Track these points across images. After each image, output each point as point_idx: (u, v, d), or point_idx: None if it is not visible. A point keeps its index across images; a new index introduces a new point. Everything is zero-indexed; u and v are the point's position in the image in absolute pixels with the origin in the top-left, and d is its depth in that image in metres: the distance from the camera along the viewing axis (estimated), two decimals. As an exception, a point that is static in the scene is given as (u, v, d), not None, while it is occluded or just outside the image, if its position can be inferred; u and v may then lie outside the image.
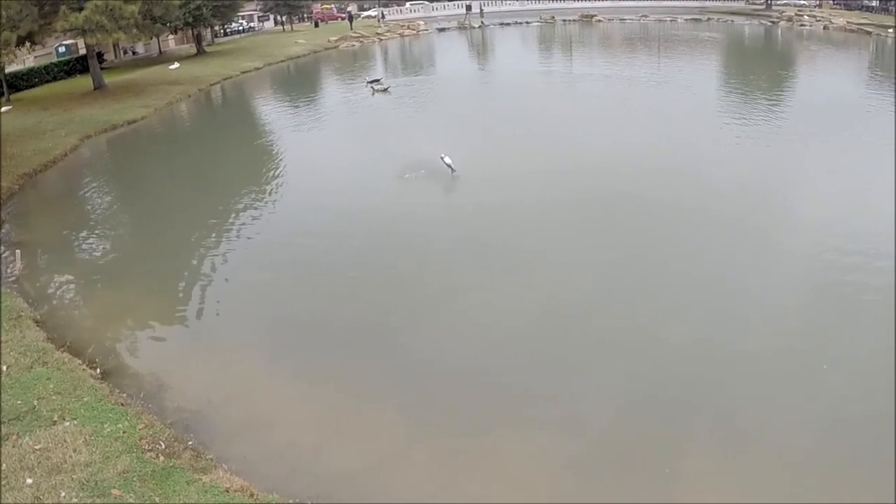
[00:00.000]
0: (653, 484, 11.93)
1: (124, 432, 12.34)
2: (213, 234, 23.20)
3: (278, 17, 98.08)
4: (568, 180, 26.70)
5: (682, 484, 11.82)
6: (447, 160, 26.64)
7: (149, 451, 11.93)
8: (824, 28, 78.09)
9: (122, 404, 13.45)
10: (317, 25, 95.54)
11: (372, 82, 49.91)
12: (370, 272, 20.10)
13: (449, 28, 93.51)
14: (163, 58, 68.38)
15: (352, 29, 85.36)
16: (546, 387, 14.61)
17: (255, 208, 25.54)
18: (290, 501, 11.22)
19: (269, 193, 27.46)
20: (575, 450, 12.78)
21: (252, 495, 11.12)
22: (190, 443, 12.60)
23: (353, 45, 77.42)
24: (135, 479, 11.11)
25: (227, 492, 11.09)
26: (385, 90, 48.11)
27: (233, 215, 24.82)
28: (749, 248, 20.95)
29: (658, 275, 19.23)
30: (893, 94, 39.97)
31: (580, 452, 12.71)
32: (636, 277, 19.07)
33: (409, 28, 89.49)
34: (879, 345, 15.58)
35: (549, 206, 24.19)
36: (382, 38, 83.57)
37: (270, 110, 45.76)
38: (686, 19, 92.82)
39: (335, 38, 78.45)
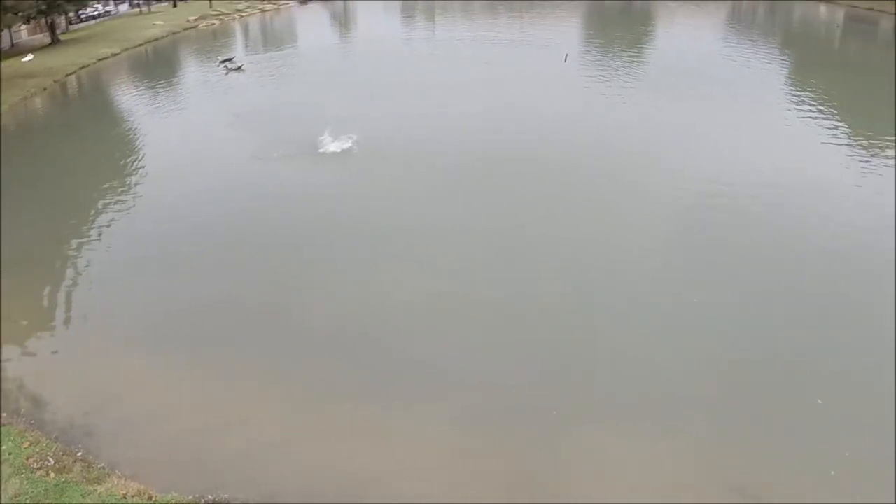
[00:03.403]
0: (532, 432, 12.88)
1: (10, 454, 12.18)
2: (76, 233, 22.78)
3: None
4: (441, 147, 27.36)
5: (567, 434, 12.76)
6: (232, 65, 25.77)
7: (38, 469, 11.81)
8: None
9: (2, 425, 13.21)
10: (175, 5, 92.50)
11: (225, 61, 49.12)
12: (249, 257, 20.26)
13: (310, 0, 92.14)
14: (15, 50, 65.14)
15: (211, 7, 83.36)
16: (432, 354, 15.26)
17: (119, 202, 25.09)
18: (190, 498, 11.37)
19: (132, 185, 27.03)
20: (459, 413, 13.46)
21: (150, 497, 11.22)
22: (79, 454, 12.52)
23: (213, 24, 75.64)
24: (28, 502, 11.02)
25: (125, 498, 11.14)
26: (239, 69, 47.49)
27: (95, 211, 24.39)
28: (622, 201, 22.25)
29: (540, 236, 20.29)
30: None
31: (465, 415, 13.40)
32: (516, 242, 20.01)
33: (270, 3, 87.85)
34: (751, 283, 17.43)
35: (426, 175, 24.82)
36: (243, 14, 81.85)
37: (129, 97, 44.44)
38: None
39: (194, 18, 76.47)
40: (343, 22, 77.05)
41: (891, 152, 27.63)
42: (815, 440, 12.59)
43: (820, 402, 13.50)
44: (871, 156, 27.09)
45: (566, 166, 25.08)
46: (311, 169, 26.11)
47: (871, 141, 28.82)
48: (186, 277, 19.30)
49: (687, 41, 52.22)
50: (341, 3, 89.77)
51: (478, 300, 17.23)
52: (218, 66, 48.73)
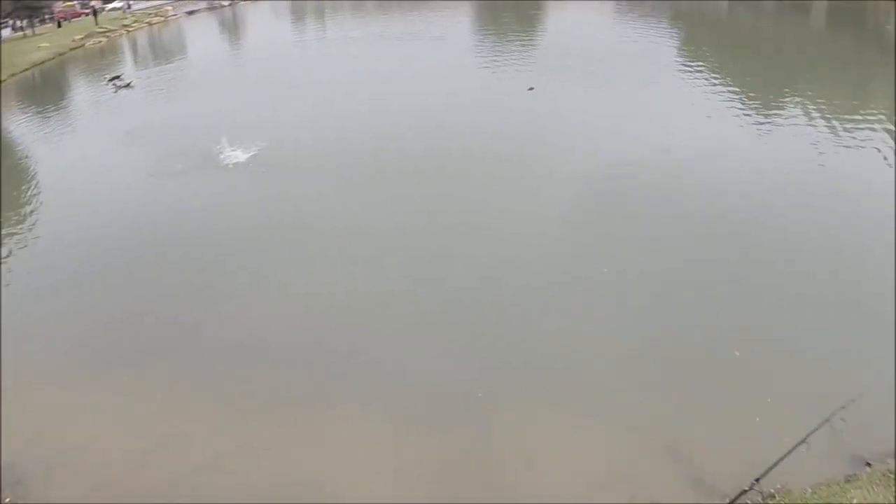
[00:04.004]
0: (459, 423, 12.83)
1: (-67, 509, 11.61)
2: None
3: (17, 23, 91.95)
4: (342, 146, 27.25)
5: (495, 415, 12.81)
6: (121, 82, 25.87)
7: (-34, 522, 11.25)
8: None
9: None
10: (60, 25, 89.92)
11: (113, 79, 47.86)
12: (155, 274, 19.73)
13: (198, 10, 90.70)
14: None
15: (97, 24, 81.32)
16: (354, 352, 15.20)
17: (15, 234, 24.02)
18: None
19: (28, 214, 26.04)
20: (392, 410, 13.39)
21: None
22: (7, 500, 12.00)
23: (100, 42, 73.67)
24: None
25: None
26: (128, 85, 46.33)
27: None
28: (528, 186, 22.66)
29: (452, 227, 20.50)
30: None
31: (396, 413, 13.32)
32: (428, 235, 20.14)
33: (156, 15, 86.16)
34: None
35: (330, 175, 24.67)
36: (130, 29, 79.98)
37: (18, 125, 42.74)
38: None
39: (80, 37, 74.33)
40: (232, 28, 76.13)
41: (782, 112, 28.58)
42: (737, 393, 13.03)
43: (737, 353, 13.97)
44: (766, 120, 27.88)
45: (470, 157, 25.22)
46: (211, 180, 25.62)
47: (764, 104, 29.67)
48: (92, 303, 18.74)
49: (578, 23, 52.91)
50: (229, 10, 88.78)
51: (395, 295, 17.22)
52: (106, 84, 47.45)
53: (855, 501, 9.78)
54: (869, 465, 10.98)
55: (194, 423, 13.59)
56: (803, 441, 8.58)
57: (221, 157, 27.14)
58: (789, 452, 8.27)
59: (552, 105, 30.81)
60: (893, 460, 11.01)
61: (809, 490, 10.41)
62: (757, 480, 7.64)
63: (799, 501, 10.04)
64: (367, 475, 11.95)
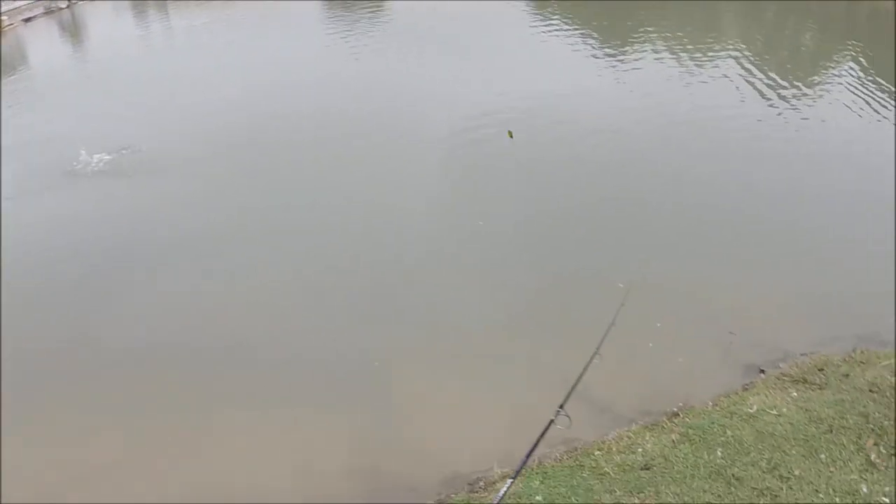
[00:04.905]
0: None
1: None
2: None
3: None
4: (202, 140, 26.42)
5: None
6: None
7: None
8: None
9: None
10: None
11: None
12: (38, 297, 18.04)
13: (35, 16, 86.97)
14: None
15: (-73, 43, 77.36)
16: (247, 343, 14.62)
17: None
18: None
19: None
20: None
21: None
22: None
23: (-66, 61, 70.21)
24: None
25: None
26: None
27: None
28: (396, 154, 22.56)
29: (329, 205, 20.11)
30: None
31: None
32: (304, 219, 19.58)
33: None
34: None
35: (199, 172, 23.75)
36: (-36, 44, 76.41)
37: None
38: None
39: None
40: (73, 31, 73.34)
41: (638, 53, 29.48)
42: (628, 322, 13.07)
43: (621, 285, 13.97)
44: (622, 63, 28.69)
45: (341, 138, 24.78)
46: (74, 194, 23.82)
47: (619, 46, 30.52)
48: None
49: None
50: (68, 12, 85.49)
51: (278, 282, 16.72)
52: (-65, 109, 44.63)
53: (755, 407, 10.17)
54: (763, 371, 11.50)
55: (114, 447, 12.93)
56: (596, 353, 8.84)
57: (81, 167, 25.71)
58: (584, 370, 8.49)
59: (408, 72, 30.76)
60: (785, 365, 11.58)
61: (710, 403, 10.81)
62: (561, 407, 7.77)
63: (702, 415, 10.42)
64: (281, 460, 11.77)
